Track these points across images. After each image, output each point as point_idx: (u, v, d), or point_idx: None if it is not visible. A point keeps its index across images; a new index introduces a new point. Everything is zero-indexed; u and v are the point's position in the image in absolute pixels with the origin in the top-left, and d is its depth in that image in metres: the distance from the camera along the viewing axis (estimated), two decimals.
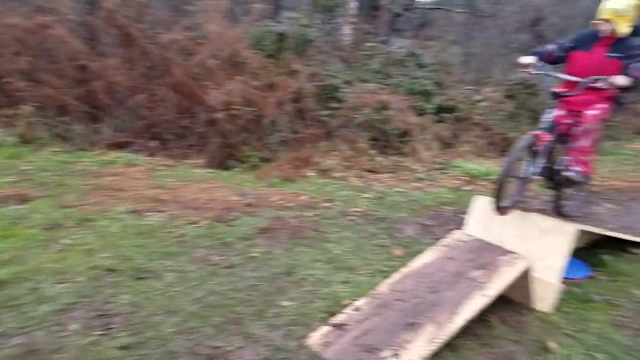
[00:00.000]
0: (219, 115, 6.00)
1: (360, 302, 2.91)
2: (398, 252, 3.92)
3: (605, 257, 3.89)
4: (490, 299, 2.74)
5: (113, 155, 5.94)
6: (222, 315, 2.80)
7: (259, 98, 6.23)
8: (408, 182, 6.20)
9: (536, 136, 3.22)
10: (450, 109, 7.82)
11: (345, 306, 2.92)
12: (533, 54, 3.58)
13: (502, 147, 7.89)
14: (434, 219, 4.70)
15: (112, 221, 3.99)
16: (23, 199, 4.24)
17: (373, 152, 6.90)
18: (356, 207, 5.02)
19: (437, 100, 7.93)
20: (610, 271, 3.75)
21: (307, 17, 6.95)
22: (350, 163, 6.60)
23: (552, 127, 3.36)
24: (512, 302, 3.16)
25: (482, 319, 2.90)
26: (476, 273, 2.95)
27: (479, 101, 8.25)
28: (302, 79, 6.50)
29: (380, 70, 8.08)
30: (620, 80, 3.06)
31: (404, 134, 7.25)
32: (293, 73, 6.57)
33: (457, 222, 4.37)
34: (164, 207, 4.44)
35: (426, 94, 7.90)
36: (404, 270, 3.20)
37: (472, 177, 6.54)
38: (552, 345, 2.72)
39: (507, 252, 3.09)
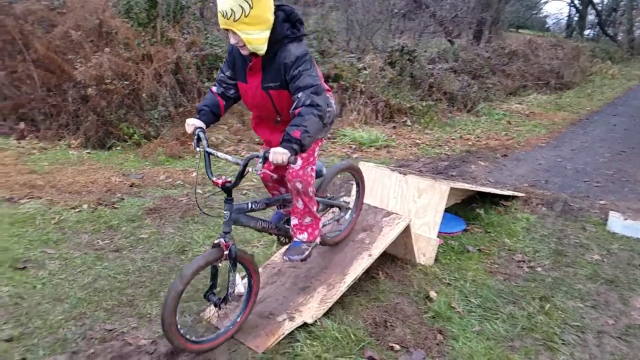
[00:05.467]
0: (91, 91, 5.76)
1: None
2: None
3: (479, 211, 4.53)
4: (375, 258, 3.12)
5: None
6: (114, 299, 2.88)
7: (133, 71, 6.06)
8: None
9: (219, 246, 2.37)
10: (335, 78, 8.20)
11: (241, 278, 3.12)
12: (199, 112, 2.51)
13: (385, 113, 8.51)
14: None
15: None
16: None
17: None
18: (250, 181, 5.21)
19: (322, 70, 8.27)
20: (484, 223, 4.39)
21: None
22: (240, 136, 6.73)
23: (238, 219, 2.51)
24: (397, 259, 3.60)
25: (371, 276, 3.30)
26: (362, 235, 3.33)
27: (362, 69, 8.71)
28: (180, 49, 6.41)
29: None
30: (279, 157, 2.13)
31: None
32: (169, 42, 6.45)
33: (348, 188, 4.77)
34: (39, 193, 4.31)
35: None
36: None
37: (360, 145, 7.08)
38: (433, 294, 3.15)
39: (389, 213, 3.49)
